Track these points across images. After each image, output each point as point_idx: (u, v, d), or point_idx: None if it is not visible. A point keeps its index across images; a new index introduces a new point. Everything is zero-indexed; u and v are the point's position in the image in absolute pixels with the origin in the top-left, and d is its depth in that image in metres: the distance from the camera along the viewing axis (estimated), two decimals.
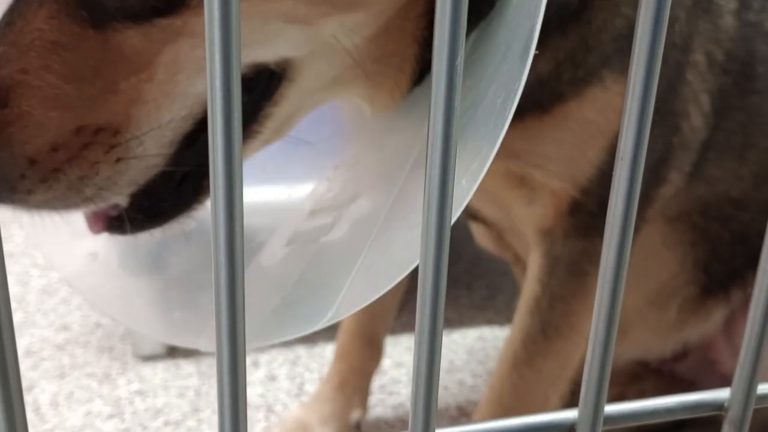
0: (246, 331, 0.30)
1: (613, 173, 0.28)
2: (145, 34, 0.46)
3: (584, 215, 0.65)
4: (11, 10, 0.46)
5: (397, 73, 0.55)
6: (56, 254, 0.64)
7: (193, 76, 0.47)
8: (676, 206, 0.76)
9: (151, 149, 0.48)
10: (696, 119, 0.69)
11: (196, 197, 0.52)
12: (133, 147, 0.47)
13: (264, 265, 0.55)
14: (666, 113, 0.66)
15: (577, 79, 0.60)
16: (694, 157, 0.71)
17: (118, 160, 0.47)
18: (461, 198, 0.42)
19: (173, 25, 0.46)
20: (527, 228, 0.68)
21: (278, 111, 0.52)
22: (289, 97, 0.51)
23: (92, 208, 0.49)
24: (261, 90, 0.51)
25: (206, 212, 0.51)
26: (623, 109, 0.28)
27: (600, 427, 0.32)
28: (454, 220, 0.42)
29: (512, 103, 0.40)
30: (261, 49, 0.48)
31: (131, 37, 0.46)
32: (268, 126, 0.52)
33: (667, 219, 0.77)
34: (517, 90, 0.39)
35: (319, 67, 0.51)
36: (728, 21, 0.70)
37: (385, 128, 0.57)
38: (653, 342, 0.87)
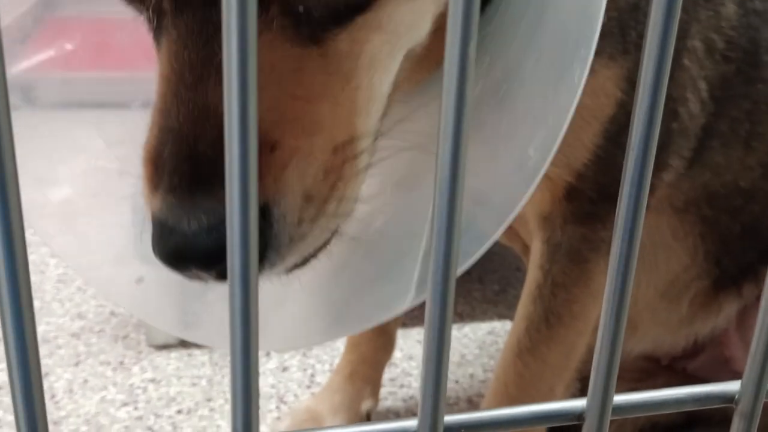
0: (315, 323, 0.28)
1: (624, 163, 0.28)
2: (350, 34, 0.45)
3: (583, 201, 0.65)
4: (206, 57, 0.42)
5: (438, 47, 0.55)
6: (103, 283, 0.61)
7: (384, 76, 0.47)
8: (682, 195, 0.76)
9: (367, 158, 0.46)
10: (694, 105, 0.68)
11: None
12: (363, 158, 0.46)
13: (316, 264, 0.55)
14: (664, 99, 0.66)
15: None
16: (694, 143, 0.71)
17: (357, 173, 0.45)
18: (546, 154, 0.42)
19: (369, 21, 0.45)
20: (527, 214, 0.68)
21: None
22: None
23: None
24: None
25: None
26: (635, 97, 0.28)
27: (609, 417, 0.32)
28: (539, 178, 0.43)
29: (589, 53, 0.40)
30: None
31: (341, 41, 0.44)
32: None
33: (675, 209, 0.77)
34: (590, 41, 0.40)
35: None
36: (731, 9, 0.70)
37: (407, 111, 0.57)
38: (664, 336, 0.87)
